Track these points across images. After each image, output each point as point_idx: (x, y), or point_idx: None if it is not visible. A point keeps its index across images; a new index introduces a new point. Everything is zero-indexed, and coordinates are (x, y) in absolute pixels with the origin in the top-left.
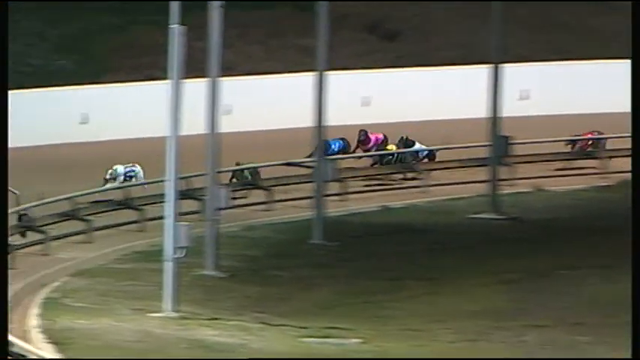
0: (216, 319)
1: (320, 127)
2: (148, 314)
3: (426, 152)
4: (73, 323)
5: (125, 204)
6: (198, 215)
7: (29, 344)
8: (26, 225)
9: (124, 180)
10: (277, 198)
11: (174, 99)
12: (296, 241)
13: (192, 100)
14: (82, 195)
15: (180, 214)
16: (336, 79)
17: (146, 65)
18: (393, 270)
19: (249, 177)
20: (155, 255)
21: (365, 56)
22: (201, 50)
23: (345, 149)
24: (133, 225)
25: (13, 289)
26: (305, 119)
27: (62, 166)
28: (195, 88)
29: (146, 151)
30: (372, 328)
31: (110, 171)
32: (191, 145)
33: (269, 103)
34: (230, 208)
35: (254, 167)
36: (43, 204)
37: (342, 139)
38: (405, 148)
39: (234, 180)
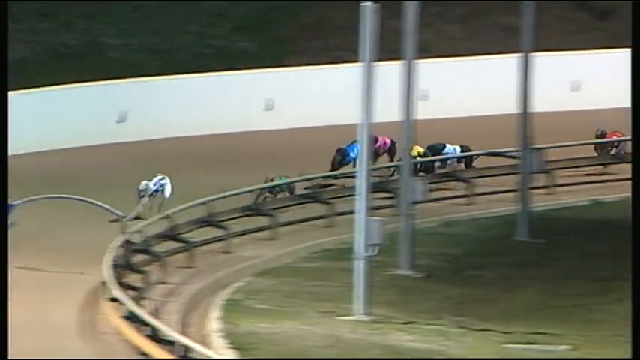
0: (411, 322)
1: (525, 113)
2: (338, 317)
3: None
4: (256, 327)
5: (313, 198)
6: (392, 210)
7: (209, 349)
8: (206, 220)
9: (153, 194)
10: (479, 191)
11: (365, 83)
12: (499, 238)
13: (385, 85)
14: (266, 187)
15: (372, 209)
16: (543, 61)
17: (335, 46)
18: (604, 270)
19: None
20: (345, 253)
21: (575, 36)
22: (395, 30)
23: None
24: (321, 220)
25: (192, 289)
26: (508, 105)
27: (247, 155)
28: (389, 72)
29: (334, 140)
30: (581, 334)
31: (141, 187)
32: (383, 134)
33: (468, 88)
34: (427, 201)
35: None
36: (223, 197)
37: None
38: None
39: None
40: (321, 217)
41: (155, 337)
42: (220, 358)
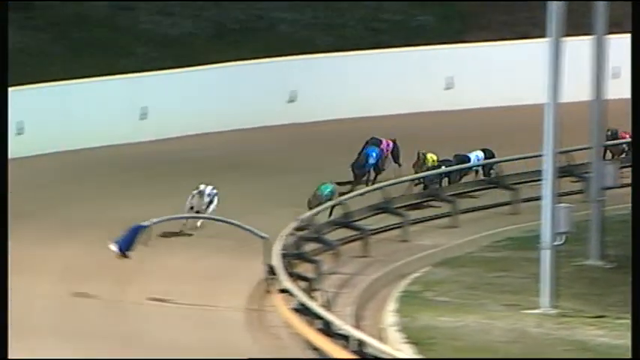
0: (601, 316)
1: None
2: (522, 311)
3: None
4: (435, 320)
5: (496, 183)
6: (581, 196)
7: (385, 344)
8: (382, 207)
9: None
10: None
11: (553, 60)
12: None
13: (574, 62)
14: (444, 172)
15: (559, 195)
16: None
17: (519, 21)
18: None
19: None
20: (530, 242)
21: None
22: (584, 3)
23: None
24: (505, 207)
25: (367, 280)
26: None
27: (425, 138)
28: (578, 48)
29: (518, 121)
30: None
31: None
32: (572, 114)
33: None
34: (619, 187)
35: None
36: (399, 182)
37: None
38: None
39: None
40: (505, 204)
41: (327, 330)
42: (399, 357)
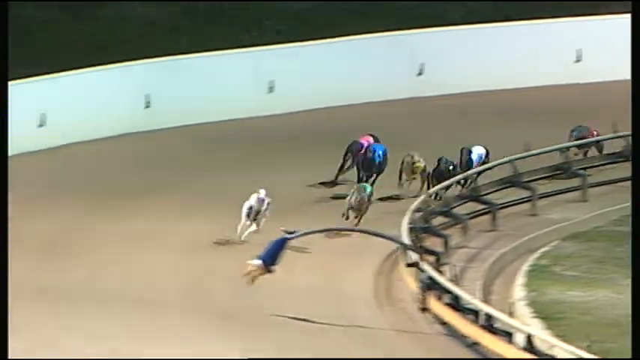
0: None
1: None
2: None
3: None
4: (563, 295)
5: (625, 157)
6: None
7: (514, 319)
8: (511, 181)
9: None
10: None
11: None
12: None
13: None
14: (575, 145)
15: None
16: None
17: None
18: None
19: None
20: None
21: None
22: None
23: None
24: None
25: (495, 254)
26: None
27: (554, 111)
28: None
29: None
30: None
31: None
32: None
33: None
34: None
35: None
36: (529, 156)
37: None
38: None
39: None
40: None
41: (456, 305)
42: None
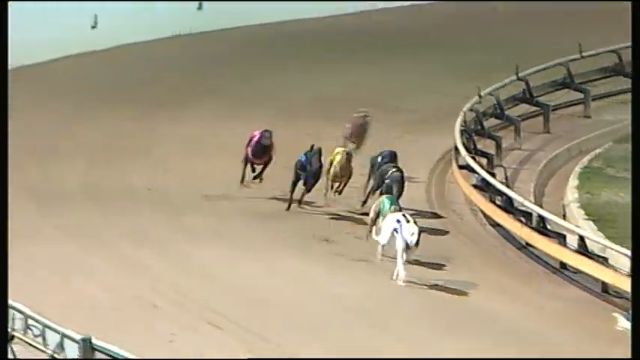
0: None
1: None
2: None
3: None
4: (616, 197)
5: None
6: None
7: (566, 221)
8: (565, 82)
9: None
10: None
11: None
12: None
13: None
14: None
15: None
16: None
17: None
18: None
19: None
20: None
21: None
22: None
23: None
24: None
25: (547, 156)
26: None
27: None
28: None
29: None
30: None
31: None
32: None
33: None
34: None
35: None
36: (583, 57)
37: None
38: None
39: None
40: None
41: (508, 207)
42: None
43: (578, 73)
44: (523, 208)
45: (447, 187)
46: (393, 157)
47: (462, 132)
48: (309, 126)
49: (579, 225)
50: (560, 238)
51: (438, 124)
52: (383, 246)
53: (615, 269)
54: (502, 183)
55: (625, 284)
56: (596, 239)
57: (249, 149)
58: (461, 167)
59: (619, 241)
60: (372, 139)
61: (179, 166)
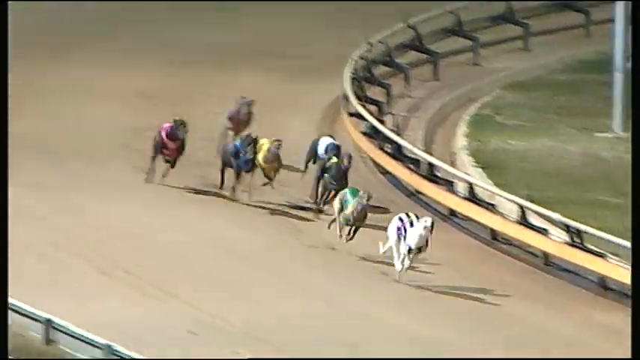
0: None
1: None
2: (594, 134)
3: None
4: (506, 144)
5: (568, 5)
6: None
7: (455, 168)
8: (453, 30)
9: None
10: None
11: None
12: None
13: None
14: None
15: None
16: None
17: None
18: None
19: None
20: (603, 65)
21: None
22: None
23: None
24: (578, 30)
25: (436, 104)
26: None
27: None
28: None
29: None
30: None
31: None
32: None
33: None
34: None
35: None
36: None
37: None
38: None
39: None
40: (578, 27)
41: (397, 154)
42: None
43: (468, 20)
44: (412, 156)
45: (337, 134)
46: (337, 151)
47: (352, 79)
48: (202, 74)
49: (468, 172)
50: (449, 186)
51: (330, 72)
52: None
53: (504, 216)
54: (391, 130)
55: (513, 231)
56: (484, 186)
57: (161, 140)
58: (351, 115)
59: (508, 189)
60: (264, 84)
61: (67, 112)
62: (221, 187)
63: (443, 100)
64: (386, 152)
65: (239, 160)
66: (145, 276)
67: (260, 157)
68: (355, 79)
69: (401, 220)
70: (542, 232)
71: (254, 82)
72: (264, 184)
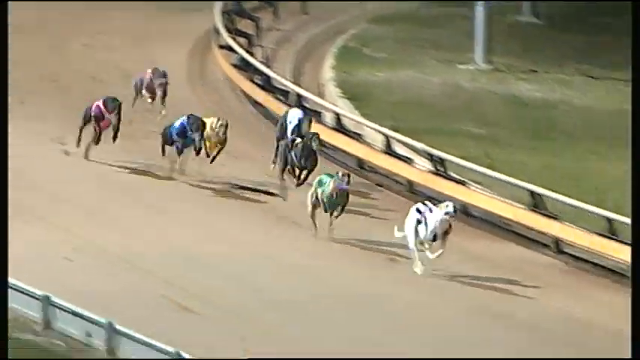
0: (533, 71)
1: None
2: (457, 66)
3: None
4: (372, 76)
5: None
6: None
7: (323, 99)
8: None
9: None
10: None
11: None
12: None
13: None
14: None
15: None
16: None
17: None
18: None
19: None
20: None
21: None
22: None
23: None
24: None
25: (305, 36)
26: None
27: None
28: None
29: None
30: None
31: None
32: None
33: None
34: None
35: None
36: None
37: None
38: None
39: None
40: None
41: (267, 86)
42: None
43: None
44: (281, 87)
45: (207, 66)
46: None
47: (223, 13)
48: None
49: (335, 103)
50: (317, 116)
51: (200, 6)
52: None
53: (370, 145)
54: (261, 62)
55: (379, 159)
56: (351, 116)
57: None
58: (221, 47)
59: (374, 119)
60: (135, 19)
61: None
62: (171, 170)
63: (311, 33)
64: (256, 84)
65: (186, 140)
66: (27, 205)
67: (205, 135)
68: (225, 13)
69: (419, 210)
70: (407, 160)
71: (125, 17)
72: (211, 161)
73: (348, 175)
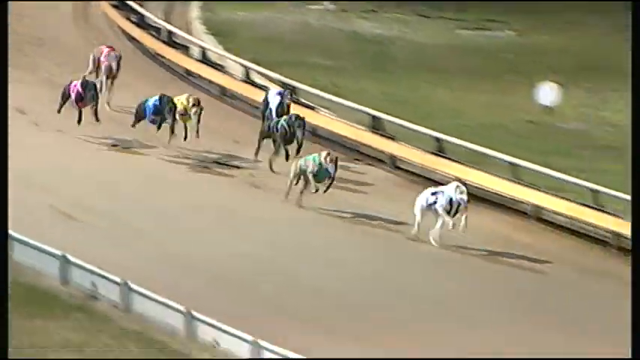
0: (374, 11)
1: None
2: (307, 6)
3: None
4: (234, 15)
5: None
6: None
7: (191, 35)
8: None
9: None
10: None
11: None
12: None
13: None
14: None
15: None
16: None
17: None
18: None
19: None
20: None
21: None
22: None
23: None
24: None
25: None
26: None
27: None
28: None
29: None
30: (526, 22)
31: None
32: None
33: None
34: None
35: None
36: None
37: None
38: None
39: None
40: None
41: (142, 23)
42: None
43: None
44: (154, 24)
45: (90, 8)
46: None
47: None
48: None
49: (201, 38)
50: (185, 50)
51: None
52: (419, 223)
53: (231, 75)
54: (136, 2)
55: (239, 88)
56: (215, 50)
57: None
58: None
59: (236, 53)
60: None
61: None
62: (134, 126)
63: None
64: (132, 21)
65: (161, 116)
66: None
67: (177, 112)
68: None
69: (433, 193)
70: (264, 88)
71: None
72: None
73: (336, 159)
